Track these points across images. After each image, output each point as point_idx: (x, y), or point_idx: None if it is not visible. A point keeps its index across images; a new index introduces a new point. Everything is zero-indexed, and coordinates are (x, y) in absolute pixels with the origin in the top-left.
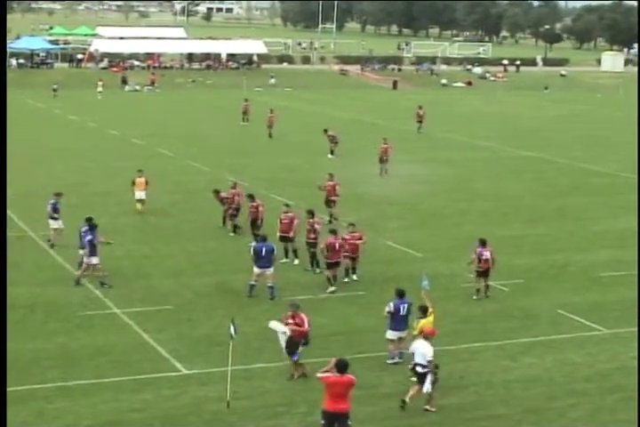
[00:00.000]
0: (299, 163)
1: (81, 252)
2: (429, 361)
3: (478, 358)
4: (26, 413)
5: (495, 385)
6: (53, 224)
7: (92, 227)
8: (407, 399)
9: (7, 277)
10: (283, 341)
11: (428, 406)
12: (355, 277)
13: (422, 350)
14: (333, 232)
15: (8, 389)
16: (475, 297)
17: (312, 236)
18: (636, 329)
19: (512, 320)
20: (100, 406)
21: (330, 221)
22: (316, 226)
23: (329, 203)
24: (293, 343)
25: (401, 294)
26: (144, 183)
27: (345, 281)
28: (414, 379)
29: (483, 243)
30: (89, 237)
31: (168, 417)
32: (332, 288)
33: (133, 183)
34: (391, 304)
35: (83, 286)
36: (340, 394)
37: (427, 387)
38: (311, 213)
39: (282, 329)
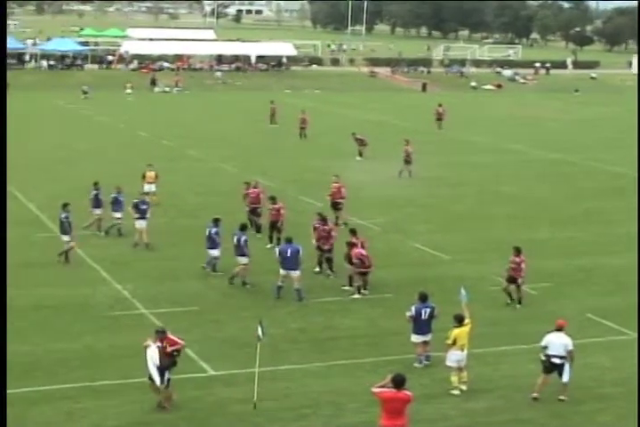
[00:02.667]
0: (327, 165)
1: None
2: (570, 351)
3: (506, 361)
4: (52, 412)
5: (523, 389)
6: (96, 213)
7: (217, 223)
8: (537, 395)
9: (36, 277)
10: (153, 361)
11: (562, 396)
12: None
13: (562, 341)
14: (353, 232)
15: (34, 388)
16: (508, 301)
17: (331, 241)
18: None
19: (540, 324)
20: (125, 406)
21: (336, 224)
22: (333, 233)
23: (335, 205)
24: (170, 361)
25: (423, 298)
26: (154, 177)
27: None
28: (459, 390)
29: (517, 251)
30: (244, 237)
31: (193, 418)
32: (357, 295)
33: (143, 177)
34: (412, 308)
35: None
36: (397, 410)
37: (567, 377)
38: (324, 219)
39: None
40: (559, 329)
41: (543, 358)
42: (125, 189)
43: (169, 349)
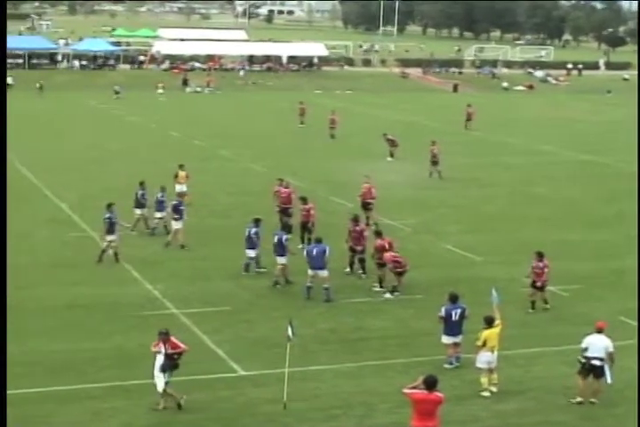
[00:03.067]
0: (358, 166)
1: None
2: (611, 353)
3: (537, 363)
4: (81, 411)
5: (554, 391)
6: (139, 212)
7: (258, 223)
8: (581, 399)
9: (68, 276)
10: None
11: (593, 399)
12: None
13: (603, 344)
14: (378, 233)
15: (64, 387)
16: (530, 310)
17: (363, 242)
18: None
19: (571, 326)
20: (155, 406)
21: (367, 224)
22: (365, 233)
23: (366, 206)
24: (171, 364)
25: (453, 299)
26: (185, 177)
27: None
28: (489, 391)
29: (540, 255)
30: (285, 237)
31: (223, 418)
32: (389, 295)
33: (176, 176)
34: (443, 309)
35: (286, 284)
36: (428, 411)
37: (610, 379)
38: (356, 220)
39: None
40: (599, 331)
41: (583, 360)
42: (154, 189)
43: (169, 351)
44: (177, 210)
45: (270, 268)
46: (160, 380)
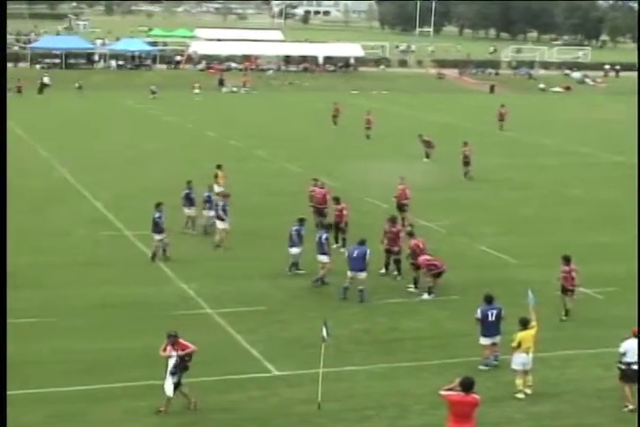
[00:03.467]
0: (393, 166)
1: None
2: None
3: (572, 365)
4: (115, 410)
5: (588, 394)
6: (188, 212)
7: (302, 222)
8: (632, 407)
9: (102, 275)
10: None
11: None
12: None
13: None
14: (410, 234)
15: (96, 386)
16: (564, 318)
17: (399, 243)
18: None
19: (606, 328)
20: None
21: (403, 225)
22: (401, 234)
23: (401, 207)
24: (182, 366)
25: (489, 300)
26: (223, 177)
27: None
28: (524, 393)
29: (567, 260)
30: (325, 235)
31: (257, 418)
32: (427, 296)
33: (216, 176)
34: (479, 311)
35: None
36: (465, 414)
37: None
38: (393, 221)
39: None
40: (636, 335)
41: (622, 366)
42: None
43: (181, 353)
44: (223, 210)
45: (310, 269)
46: (169, 383)
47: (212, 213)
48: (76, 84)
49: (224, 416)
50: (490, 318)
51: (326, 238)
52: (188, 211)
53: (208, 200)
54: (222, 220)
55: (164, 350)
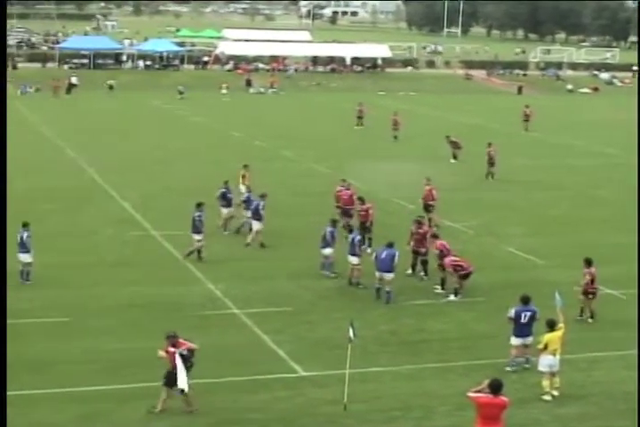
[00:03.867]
0: (421, 167)
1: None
2: None
3: (598, 367)
4: (143, 410)
5: (615, 396)
6: (225, 211)
7: (334, 223)
8: None
9: (129, 275)
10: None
11: None
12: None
13: None
14: (435, 236)
15: (123, 386)
16: (578, 317)
17: (426, 244)
18: None
19: (633, 330)
20: (216, 404)
21: (429, 226)
22: (428, 236)
23: (427, 208)
24: (187, 364)
25: (525, 301)
26: (247, 177)
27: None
28: (551, 395)
29: (588, 262)
30: (358, 237)
31: (283, 419)
32: (453, 297)
33: (243, 177)
34: (512, 311)
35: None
36: (493, 416)
37: None
38: (420, 222)
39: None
40: None
41: None
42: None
43: (184, 352)
44: (262, 210)
45: (339, 269)
46: (184, 379)
47: (250, 213)
48: (108, 84)
49: (251, 416)
50: (522, 320)
51: (359, 240)
52: (225, 211)
53: (247, 200)
54: (259, 220)
55: (166, 351)
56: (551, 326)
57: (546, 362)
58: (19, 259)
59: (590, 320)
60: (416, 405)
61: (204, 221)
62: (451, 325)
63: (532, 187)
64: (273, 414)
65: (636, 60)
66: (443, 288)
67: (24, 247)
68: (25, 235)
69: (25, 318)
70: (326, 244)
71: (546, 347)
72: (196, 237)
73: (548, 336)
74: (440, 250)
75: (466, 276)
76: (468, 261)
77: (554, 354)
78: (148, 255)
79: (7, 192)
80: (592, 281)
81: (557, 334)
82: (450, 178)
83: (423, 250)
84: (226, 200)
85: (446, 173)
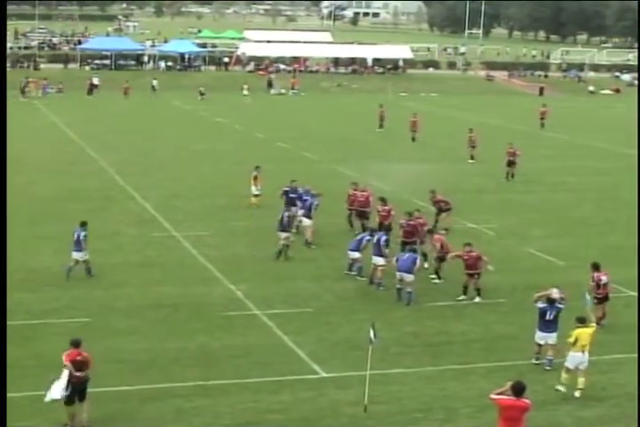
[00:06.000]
0: (440, 168)
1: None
2: None
3: (620, 369)
4: (165, 410)
5: (636, 398)
6: (289, 213)
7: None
8: None
9: (153, 275)
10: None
11: None
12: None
13: None
14: (431, 232)
15: (148, 386)
16: (603, 322)
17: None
18: None
19: None
20: (238, 405)
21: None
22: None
23: (441, 210)
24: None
25: (551, 300)
26: (260, 179)
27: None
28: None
29: (596, 267)
30: (385, 237)
31: (305, 420)
32: (477, 299)
33: (255, 178)
34: (540, 305)
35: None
36: (515, 418)
37: None
38: (410, 214)
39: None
40: None
41: None
42: (239, 190)
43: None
44: (309, 208)
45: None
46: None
47: (301, 211)
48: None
49: (273, 417)
50: (547, 317)
51: (385, 241)
52: (288, 212)
53: (301, 198)
54: (309, 217)
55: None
56: (582, 321)
57: (574, 359)
58: (72, 257)
59: (602, 323)
60: (438, 407)
61: (292, 220)
62: (473, 326)
63: (554, 188)
64: (294, 415)
65: None
66: (464, 294)
67: (78, 246)
68: (82, 234)
69: (50, 318)
70: (356, 247)
71: (575, 342)
72: (283, 235)
73: (577, 331)
74: (440, 243)
75: (442, 259)
76: (450, 246)
77: (583, 351)
78: (170, 256)
79: (34, 193)
80: (598, 286)
81: (588, 331)
82: (472, 179)
83: (412, 241)
84: (289, 200)
85: (468, 175)
